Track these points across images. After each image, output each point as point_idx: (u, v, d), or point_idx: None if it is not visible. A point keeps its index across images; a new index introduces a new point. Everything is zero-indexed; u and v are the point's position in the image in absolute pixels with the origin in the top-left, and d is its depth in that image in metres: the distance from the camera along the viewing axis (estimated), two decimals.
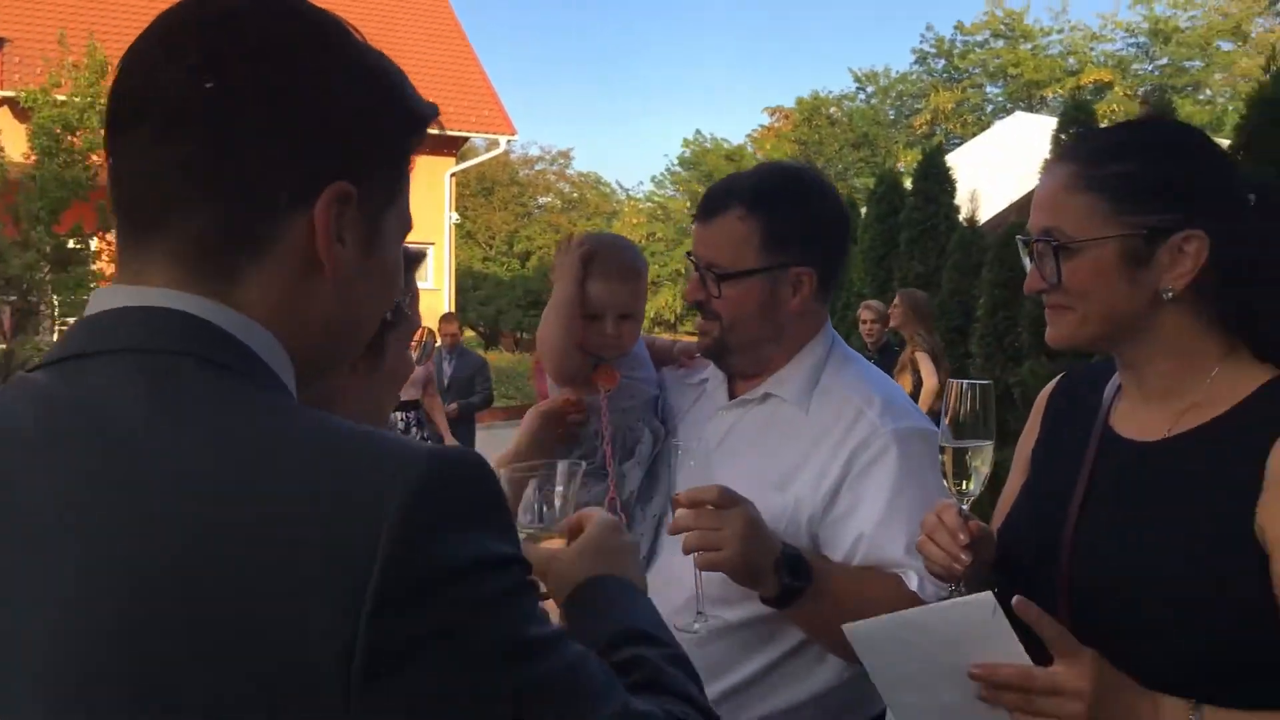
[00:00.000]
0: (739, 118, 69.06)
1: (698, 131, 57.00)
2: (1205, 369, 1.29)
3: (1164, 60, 36.47)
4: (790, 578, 1.43)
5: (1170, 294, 1.26)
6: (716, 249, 1.66)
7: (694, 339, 1.85)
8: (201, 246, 0.76)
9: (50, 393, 0.74)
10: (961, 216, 8.10)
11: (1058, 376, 1.57)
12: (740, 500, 1.42)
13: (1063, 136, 6.82)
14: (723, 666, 1.59)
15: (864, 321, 7.25)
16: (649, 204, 44.03)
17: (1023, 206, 10.80)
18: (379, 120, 0.81)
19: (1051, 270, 1.30)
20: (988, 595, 1.22)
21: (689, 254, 1.71)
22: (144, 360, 0.73)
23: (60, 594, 0.67)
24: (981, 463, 1.31)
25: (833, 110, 42.40)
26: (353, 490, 0.65)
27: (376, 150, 0.82)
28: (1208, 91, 35.23)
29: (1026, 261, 1.36)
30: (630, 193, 45.70)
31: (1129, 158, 1.31)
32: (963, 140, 41.17)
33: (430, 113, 0.86)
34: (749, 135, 44.88)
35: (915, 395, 5.97)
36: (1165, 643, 1.21)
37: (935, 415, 1.45)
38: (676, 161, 44.28)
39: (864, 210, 9.68)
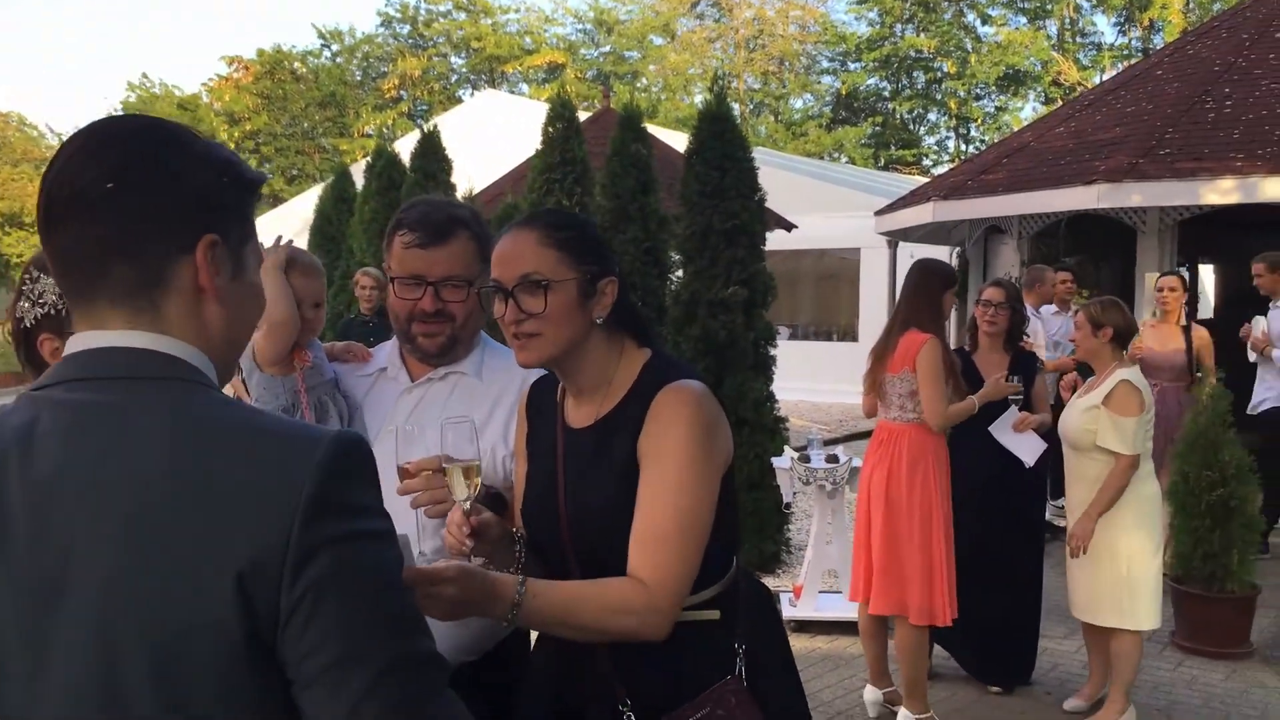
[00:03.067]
0: (193, 65, 64.01)
1: (144, 75, 52.21)
2: (612, 365, 1.81)
3: (608, 48, 40.26)
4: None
5: (600, 319, 1.78)
6: (453, 265, 2.08)
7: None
8: (128, 290, 1.10)
9: (72, 402, 1.06)
10: (459, 193, 8.69)
11: (529, 385, 2.03)
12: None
13: (550, 129, 7.61)
14: None
15: (363, 288, 7.48)
16: None
17: (517, 180, 11.68)
18: (226, 190, 1.16)
19: (540, 303, 1.72)
20: (404, 535, 1.65)
21: (411, 277, 2.08)
22: (129, 383, 1.07)
23: (101, 532, 1.00)
24: (471, 475, 1.74)
25: (297, 66, 41.13)
26: (290, 457, 1.04)
27: (227, 210, 1.15)
28: (644, 80, 39.56)
29: (498, 304, 1.76)
30: (64, 138, 40.66)
31: (572, 227, 1.81)
32: (430, 107, 42.24)
33: (261, 178, 1.24)
34: (204, 84, 42.01)
35: None
36: (621, 554, 1.73)
37: None
38: (120, 107, 40.35)
39: (361, 181, 9.93)
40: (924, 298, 4.39)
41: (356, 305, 8.20)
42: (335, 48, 42.17)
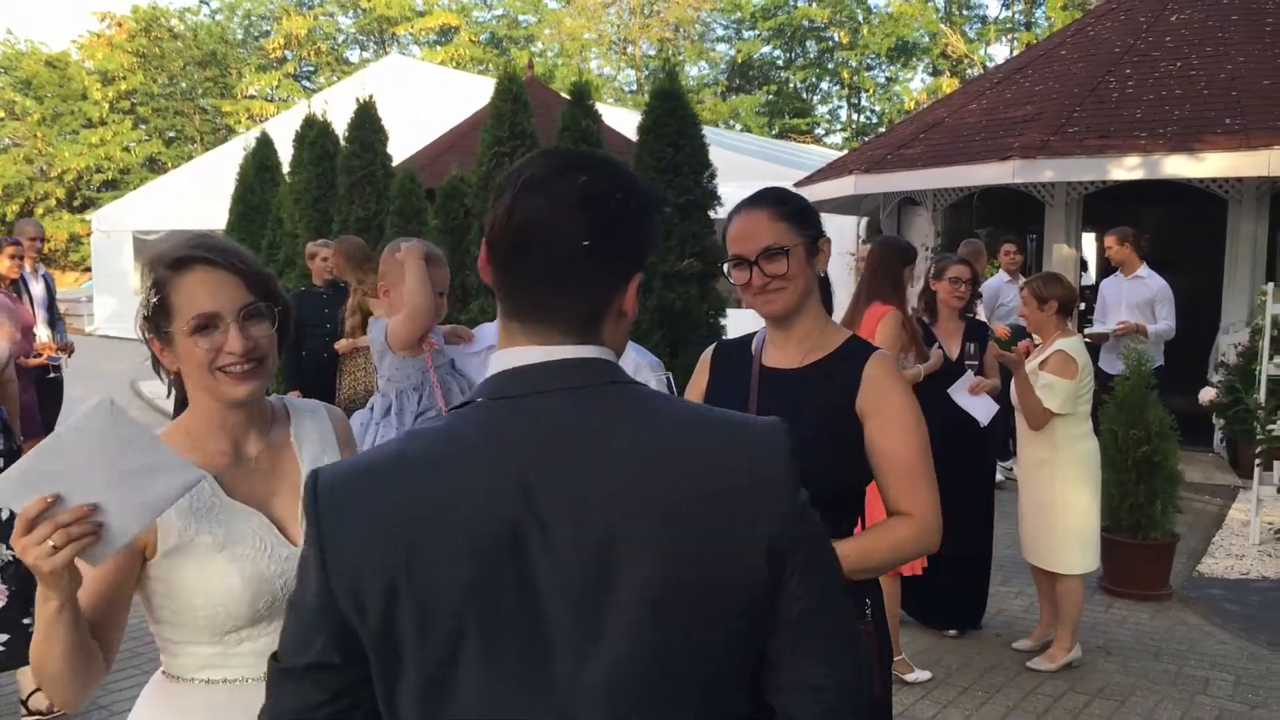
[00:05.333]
0: (62, 20, 60.59)
1: (9, 31, 49.46)
2: (821, 324, 2.15)
3: (501, 11, 39.78)
4: None
5: (822, 273, 2.15)
6: None
7: None
8: (580, 319, 1.25)
9: (540, 413, 1.20)
10: (395, 163, 8.70)
11: (713, 344, 2.38)
12: None
13: (499, 103, 7.67)
14: None
15: (323, 259, 7.42)
16: None
17: (457, 147, 11.61)
18: (655, 229, 1.33)
19: (781, 266, 2.06)
20: (105, 400, 1.41)
21: None
22: (597, 389, 1.23)
23: (633, 517, 1.16)
24: None
25: (174, 23, 39.52)
26: (768, 446, 1.24)
27: (652, 244, 1.32)
28: (540, 45, 39.25)
29: (740, 273, 2.10)
30: None
31: (791, 201, 2.14)
32: (317, 68, 41.11)
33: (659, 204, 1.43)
34: (75, 41, 40.03)
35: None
36: (814, 488, 2.01)
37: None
38: None
39: (293, 149, 9.79)
40: (885, 273, 4.77)
41: (293, 277, 8.16)
42: (215, 4, 40.69)
